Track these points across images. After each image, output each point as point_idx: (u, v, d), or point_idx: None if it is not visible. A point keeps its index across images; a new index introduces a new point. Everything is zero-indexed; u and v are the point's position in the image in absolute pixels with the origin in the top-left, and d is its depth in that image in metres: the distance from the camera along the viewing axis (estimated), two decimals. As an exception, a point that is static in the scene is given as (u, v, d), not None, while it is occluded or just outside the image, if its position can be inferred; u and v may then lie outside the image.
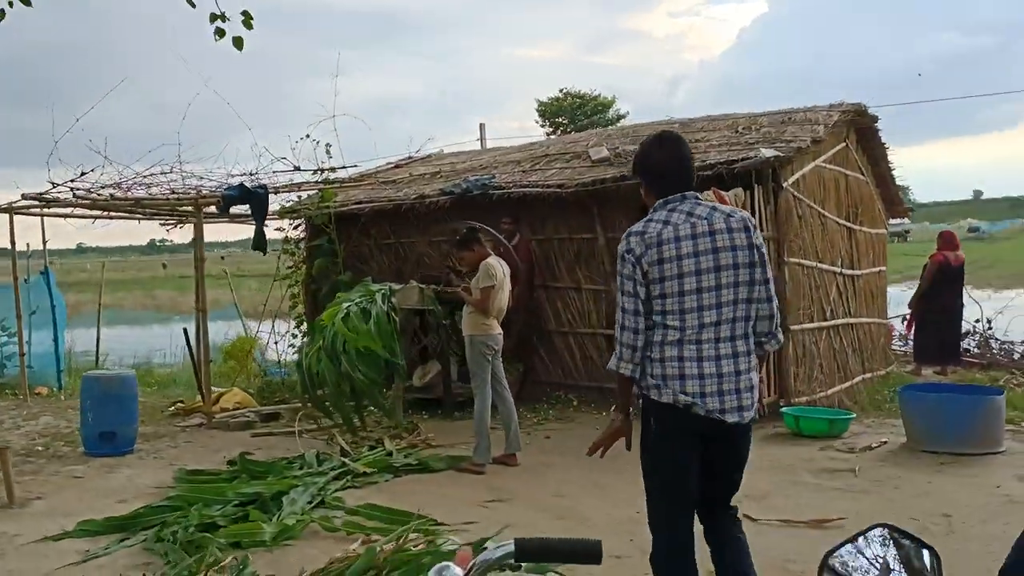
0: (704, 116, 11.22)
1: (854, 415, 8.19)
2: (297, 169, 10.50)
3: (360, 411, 8.14)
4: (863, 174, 11.18)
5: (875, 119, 10.58)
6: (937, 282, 11.66)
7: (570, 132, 30.16)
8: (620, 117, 42.04)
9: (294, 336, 11.99)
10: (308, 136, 11.09)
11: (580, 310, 10.04)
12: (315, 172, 11.12)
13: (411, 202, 10.80)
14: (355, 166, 11.05)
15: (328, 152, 11.08)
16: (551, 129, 41.14)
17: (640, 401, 3.60)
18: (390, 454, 7.51)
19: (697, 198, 3.61)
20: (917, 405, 7.45)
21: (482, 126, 20.81)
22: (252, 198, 9.43)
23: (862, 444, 7.61)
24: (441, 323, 9.24)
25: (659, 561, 3.59)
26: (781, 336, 3.65)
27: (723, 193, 8.39)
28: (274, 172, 10.53)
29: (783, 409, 8.25)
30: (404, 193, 11.19)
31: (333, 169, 11.16)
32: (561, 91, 43.20)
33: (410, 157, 13.18)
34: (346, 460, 7.17)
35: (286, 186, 10.20)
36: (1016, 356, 13.08)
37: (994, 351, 13.25)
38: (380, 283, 8.99)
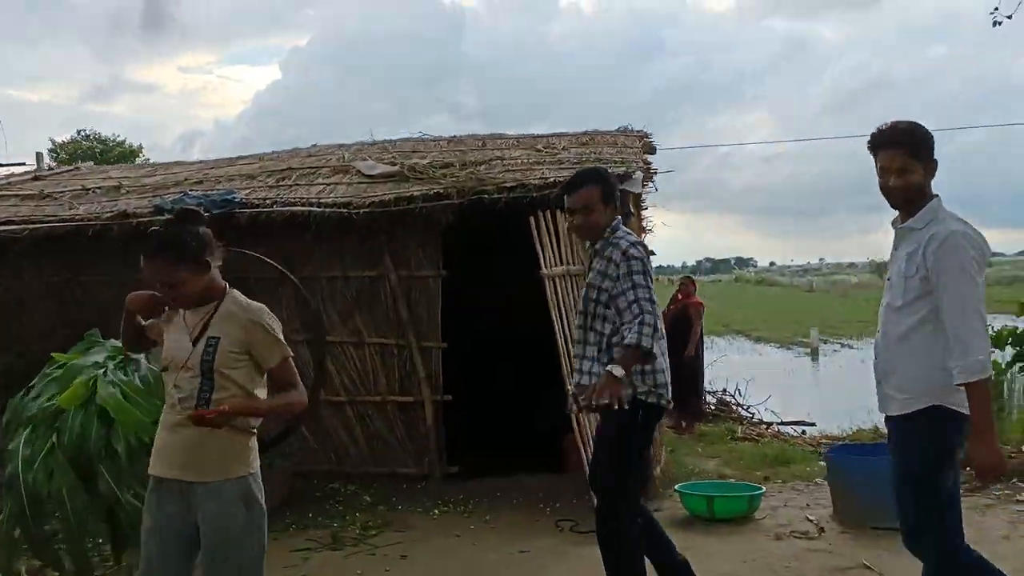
0: (470, 134, 9.38)
1: (763, 489, 6.78)
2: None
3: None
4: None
5: (654, 150, 9.58)
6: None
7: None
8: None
9: None
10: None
11: (362, 372, 7.53)
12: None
13: (103, 223, 7.41)
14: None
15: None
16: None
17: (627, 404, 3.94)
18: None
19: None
20: (857, 474, 6.20)
21: (39, 155, 16.94)
22: None
23: (798, 525, 6.23)
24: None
25: (635, 538, 4.15)
26: None
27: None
28: None
29: (679, 488, 6.64)
30: (86, 211, 7.71)
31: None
32: (79, 132, 37.28)
33: (49, 167, 9.48)
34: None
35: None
36: (714, 405, 12.92)
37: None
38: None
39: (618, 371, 3.84)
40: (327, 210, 7.22)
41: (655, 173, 7.31)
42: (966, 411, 3.23)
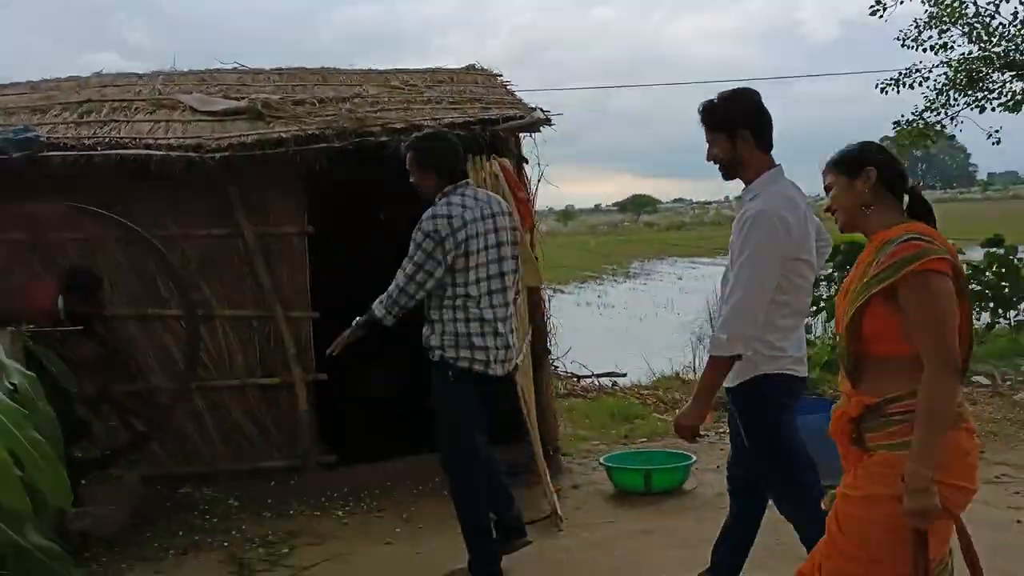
0: (299, 67, 8.02)
1: (694, 458, 6.28)
2: None
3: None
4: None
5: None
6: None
7: None
8: None
9: None
10: None
11: (213, 351, 6.18)
12: None
13: None
14: None
15: None
16: None
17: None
18: None
19: (469, 183, 4.44)
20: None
21: None
22: None
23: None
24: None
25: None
26: None
27: (508, 164, 5.91)
28: None
29: (607, 462, 6.05)
30: None
31: None
32: None
33: None
34: None
35: None
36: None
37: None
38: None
39: (356, 323, 4.40)
40: (174, 154, 5.78)
41: (549, 115, 6.54)
42: (792, 372, 3.54)
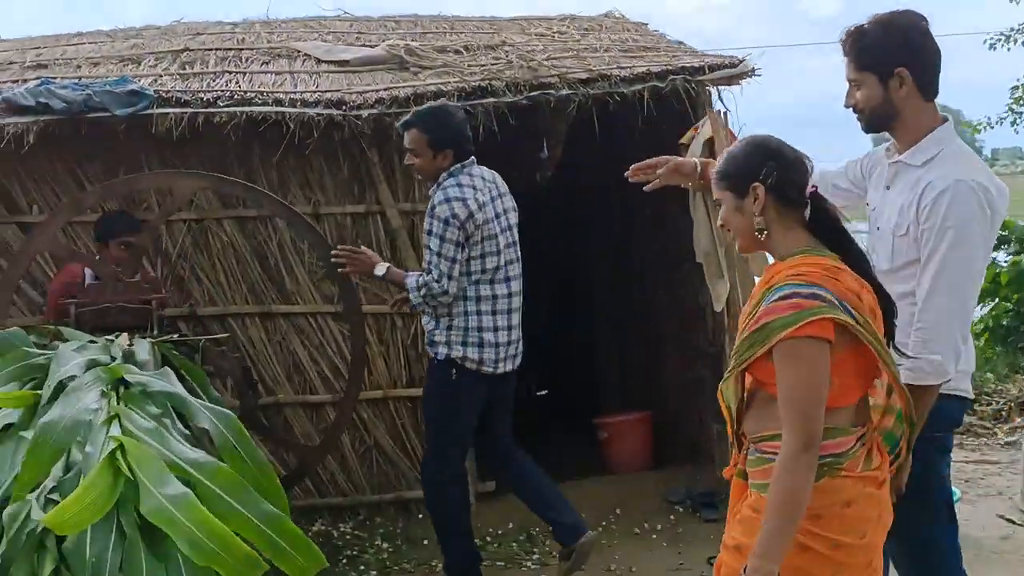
0: (412, 15, 6.83)
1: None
2: None
3: None
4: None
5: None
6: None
7: None
8: None
9: None
10: None
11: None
12: None
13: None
14: None
15: None
16: None
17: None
18: None
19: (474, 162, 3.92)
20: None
21: None
22: None
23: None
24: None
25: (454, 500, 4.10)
26: None
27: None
28: None
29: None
30: None
31: None
32: None
33: None
34: None
35: None
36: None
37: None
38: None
39: (380, 269, 3.95)
40: (313, 111, 4.59)
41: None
42: (964, 394, 2.62)
